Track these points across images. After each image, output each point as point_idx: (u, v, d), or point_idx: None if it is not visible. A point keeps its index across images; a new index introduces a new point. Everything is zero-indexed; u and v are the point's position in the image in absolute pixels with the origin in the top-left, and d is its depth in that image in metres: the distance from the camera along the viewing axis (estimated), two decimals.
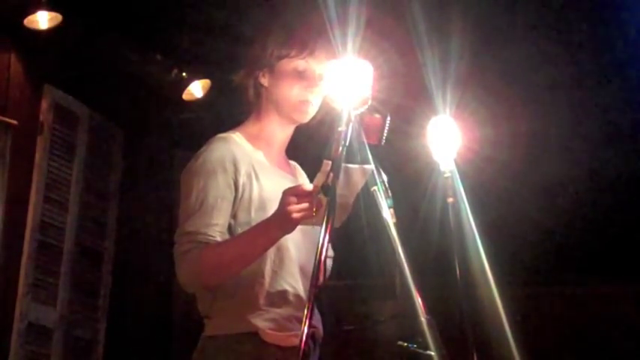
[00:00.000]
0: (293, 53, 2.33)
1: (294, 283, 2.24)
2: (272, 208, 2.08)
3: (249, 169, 2.25)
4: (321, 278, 1.76)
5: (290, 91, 2.32)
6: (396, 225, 2.18)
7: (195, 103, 4.73)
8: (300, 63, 2.32)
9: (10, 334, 4.02)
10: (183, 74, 4.62)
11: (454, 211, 2.37)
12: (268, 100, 2.37)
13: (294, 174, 2.44)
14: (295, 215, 1.99)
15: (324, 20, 2.28)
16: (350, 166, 2.03)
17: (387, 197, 2.20)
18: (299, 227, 2.09)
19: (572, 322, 4.63)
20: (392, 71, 2.31)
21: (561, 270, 4.66)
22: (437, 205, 2.44)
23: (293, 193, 2.01)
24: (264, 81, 2.36)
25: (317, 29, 2.32)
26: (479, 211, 2.51)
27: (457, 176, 2.42)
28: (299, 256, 2.25)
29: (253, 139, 2.35)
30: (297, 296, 2.24)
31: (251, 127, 2.38)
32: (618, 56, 4.25)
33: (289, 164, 2.48)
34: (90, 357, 4.53)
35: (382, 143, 2.18)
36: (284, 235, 2.08)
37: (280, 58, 2.33)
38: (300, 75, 2.32)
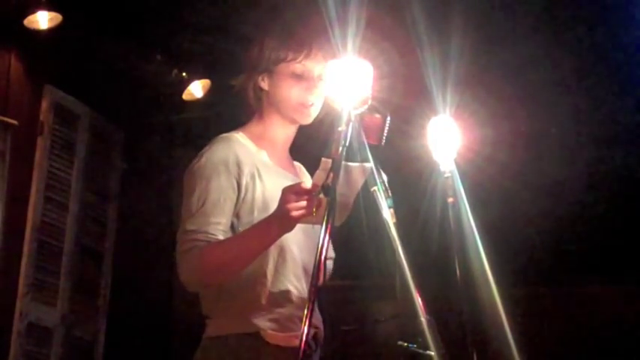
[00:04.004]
0: (290, 57, 2.33)
1: (297, 283, 2.24)
2: (275, 208, 2.08)
3: (253, 170, 2.25)
4: (321, 279, 1.76)
5: (289, 94, 2.33)
6: (396, 225, 2.18)
7: (195, 103, 4.73)
8: (297, 66, 2.32)
9: (10, 334, 4.02)
10: (183, 74, 4.63)
11: (454, 211, 2.37)
12: (269, 102, 2.37)
13: (297, 174, 2.44)
14: (294, 213, 1.98)
15: (323, 20, 2.28)
16: (350, 164, 2.03)
17: (387, 197, 2.20)
18: (301, 227, 2.09)
19: (572, 322, 4.63)
20: (392, 71, 2.31)
21: (561, 270, 4.65)
22: (437, 205, 2.44)
23: (292, 191, 2.00)
24: (264, 85, 2.37)
25: (314, 30, 2.32)
26: (479, 211, 2.50)
27: (457, 176, 2.42)
28: (301, 256, 2.25)
29: (257, 139, 2.35)
30: (300, 296, 2.23)
31: (254, 127, 2.39)
32: (618, 56, 4.25)
33: (293, 165, 2.48)
34: (90, 357, 4.53)
35: (382, 143, 2.18)
36: (283, 233, 2.08)
37: (277, 62, 2.34)
38: (299, 78, 2.32)
